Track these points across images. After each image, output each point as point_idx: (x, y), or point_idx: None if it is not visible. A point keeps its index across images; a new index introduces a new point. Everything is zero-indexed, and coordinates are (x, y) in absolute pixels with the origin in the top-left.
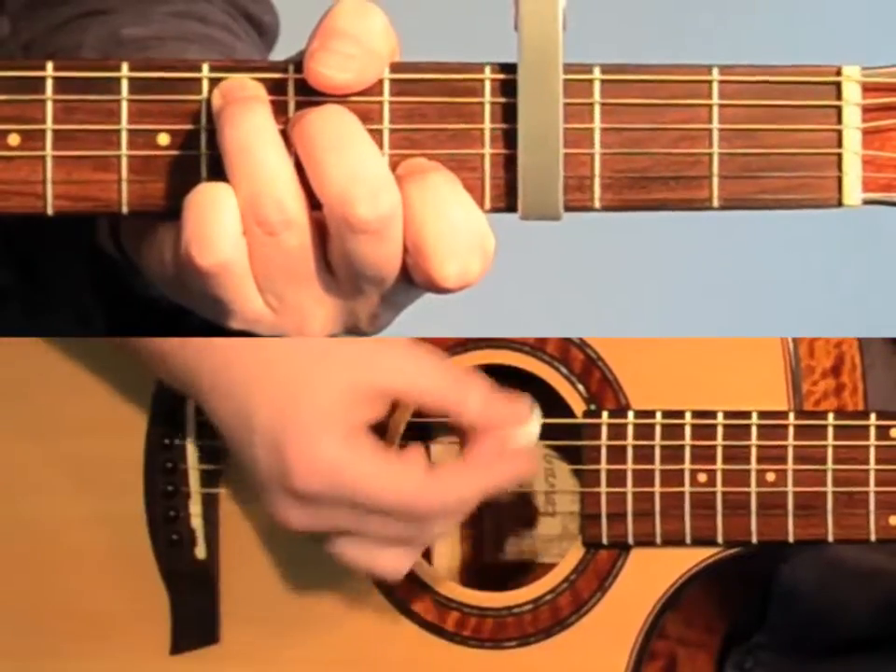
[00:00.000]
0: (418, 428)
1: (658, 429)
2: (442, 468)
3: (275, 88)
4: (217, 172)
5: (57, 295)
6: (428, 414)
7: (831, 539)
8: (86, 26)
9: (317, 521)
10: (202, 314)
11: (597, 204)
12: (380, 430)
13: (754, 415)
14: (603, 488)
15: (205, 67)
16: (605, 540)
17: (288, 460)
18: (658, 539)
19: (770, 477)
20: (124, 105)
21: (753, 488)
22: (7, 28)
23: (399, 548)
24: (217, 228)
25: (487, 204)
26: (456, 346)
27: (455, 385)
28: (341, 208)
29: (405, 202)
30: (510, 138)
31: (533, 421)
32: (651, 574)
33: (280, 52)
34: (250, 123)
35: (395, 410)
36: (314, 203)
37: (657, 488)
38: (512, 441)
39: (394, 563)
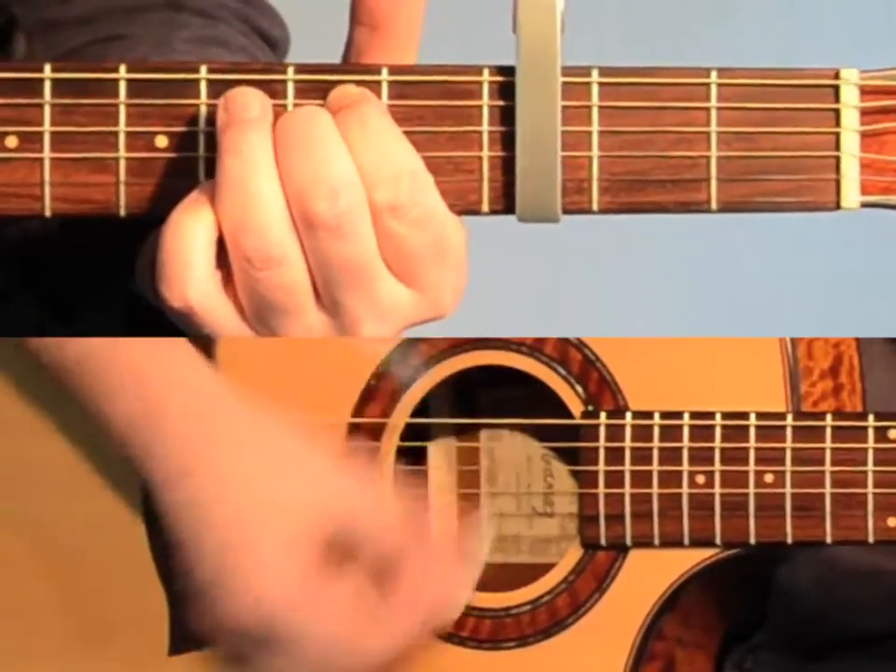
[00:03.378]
0: (417, 429)
1: (656, 430)
2: (370, 623)
3: (274, 91)
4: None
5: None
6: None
7: (829, 540)
8: (105, 53)
9: (227, 643)
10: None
11: (595, 207)
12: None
13: (752, 416)
14: (601, 489)
15: (203, 69)
16: (603, 541)
17: (234, 586)
18: (656, 541)
19: (768, 478)
20: (122, 107)
21: (751, 489)
22: (24, 48)
23: None
24: (186, 269)
25: (485, 206)
26: (455, 347)
27: (405, 527)
28: (300, 203)
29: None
30: (508, 140)
31: (467, 589)
32: (650, 575)
33: None
34: (247, 154)
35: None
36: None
37: (655, 489)
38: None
39: None
